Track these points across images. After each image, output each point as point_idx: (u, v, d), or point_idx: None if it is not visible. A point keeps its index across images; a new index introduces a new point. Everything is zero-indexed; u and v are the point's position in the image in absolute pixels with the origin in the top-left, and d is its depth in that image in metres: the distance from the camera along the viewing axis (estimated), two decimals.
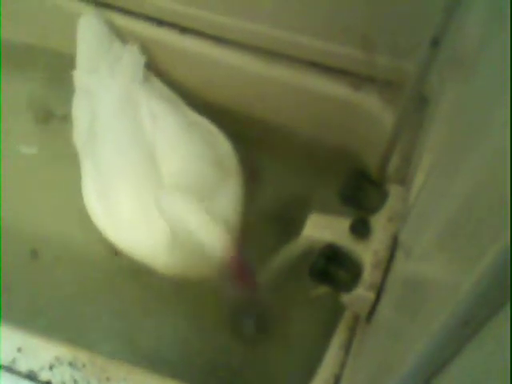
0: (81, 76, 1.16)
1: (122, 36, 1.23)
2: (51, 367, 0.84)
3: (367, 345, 0.78)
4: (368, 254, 0.81)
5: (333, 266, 0.83)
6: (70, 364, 0.84)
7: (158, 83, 1.18)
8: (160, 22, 1.23)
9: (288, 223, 1.11)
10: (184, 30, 1.22)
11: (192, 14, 1.19)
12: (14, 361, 0.84)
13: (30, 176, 1.28)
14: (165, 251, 0.95)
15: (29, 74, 1.37)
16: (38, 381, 0.83)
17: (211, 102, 1.26)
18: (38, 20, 1.33)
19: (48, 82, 1.35)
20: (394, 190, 0.88)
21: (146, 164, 1.04)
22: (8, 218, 1.20)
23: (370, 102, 1.12)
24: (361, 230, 0.84)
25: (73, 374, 0.84)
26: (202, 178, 1.02)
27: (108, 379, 0.83)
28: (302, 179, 1.24)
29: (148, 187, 1.01)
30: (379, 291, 0.78)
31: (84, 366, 0.84)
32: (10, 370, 0.84)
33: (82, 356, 0.85)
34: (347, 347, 0.88)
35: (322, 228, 0.87)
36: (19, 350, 0.85)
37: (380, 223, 0.84)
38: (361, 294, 0.79)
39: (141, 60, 1.16)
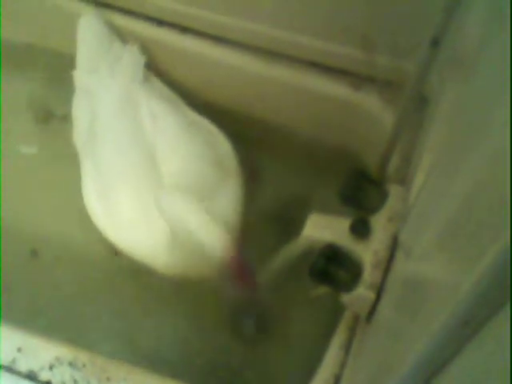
0: (81, 76, 1.16)
1: (122, 36, 1.23)
2: (51, 367, 0.84)
3: (367, 345, 0.78)
4: (368, 253, 0.81)
5: (333, 266, 0.83)
6: (70, 364, 0.84)
7: (158, 83, 1.18)
8: (160, 22, 1.23)
9: (288, 223, 1.11)
10: (184, 29, 1.22)
11: (192, 14, 1.19)
12: (14, 361, 0.84)
13: (30, 176, 1.28)
14: (165, 251, 0.95)
15: (29, 74, 1.37)
16: (38, 381, 0.83)
17: (211, 102, 1.26)
18: (38, 20, 1.33)
19: (48, 82, 1.35)
20: (394, 190, 0.88)
21: (145, 164, 1.04)
22: (8, 217, 1.20)
23: (370, 102, 1.12)
24: (361, 230, 0.84)
25: (73, 374, 0.84)
26: (201, 178, 1.02)
27: (108, 379, 0.83)
28: (302, 179, 1.24)
29: (148, 187, 1.01)
30: (379, 291, 0.78)
31: (84, 365, 0.84)
32: (10, 370, 0.84)
33: (82, 356, 0.85)
34: (347, 347, 0.88)
35: (322, 228, 0.87)
36: (19, 350, 0.85)
37: (380, 223, 0.84)
38: (361, 293, 0.79)
39: (141, 60, 1.16)
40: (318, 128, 1.22)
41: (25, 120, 1.34)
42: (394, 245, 0.81)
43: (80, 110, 1.14)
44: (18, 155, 1.30)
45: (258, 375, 1.06)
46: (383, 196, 0.87)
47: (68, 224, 1.20)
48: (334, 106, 1.16)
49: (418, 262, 0.57)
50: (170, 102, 1.14)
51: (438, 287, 0.43)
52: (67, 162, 1.12)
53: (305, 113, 1.21)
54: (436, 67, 0.77)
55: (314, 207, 0.94)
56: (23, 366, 0.84)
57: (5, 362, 0.84)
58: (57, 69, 1.29)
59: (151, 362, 1.03)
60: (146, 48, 1.20)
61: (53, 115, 1.34)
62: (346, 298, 0.81)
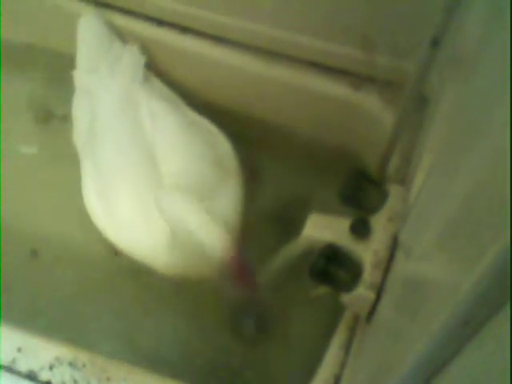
0: (81, 76, 1.16)
1: (122, 36, 1.23)
2: (51, 367, 0.84)
3: (367, 345, 0.78)
4: (368, 253, 0.81)
5: (333, 266, 0.83)
6: (70, 364, 0.84)
7: (158, 83, 1.18)
8: (160, 22, 1.23)
9: (288, 223, 1.11)
10: (184, 29, 1.22)
11: (192, 14, 1.19)
12: (14, 361, 0.84)
13: (30, 176, 1.28)
14: (165, 251, 0.95)
15: (29, 73, 1.37)
16: (38, 381, 0.83)
17: (211, 102, 1.26)
18: (38, 20, 1.33)
19: (48, 82, 1.35)
20: (394, 190, 0.88)
21: (145, 164, 1.04)
22: (8, 217, 1.20)
23: (370, 101, 1.12)
24: (361, 229, 0.84)
25: (73, 374, 0.84)
26: (201, 178, 1.02)
27: (108, 379, 0.83)
28: (302, 179, 1.24)
29: (148, 187, 1.01)
30: (379, 291, 0.78)
31: (84, 365, 0.84)
32: (10, 370, 0.84)
33: (82, 356, 0.85)
34: (347, 347, 0.88)
35: (322, 228, 0.87)
36: (19, 349, 0.85)
37: (380, 223, 0.84)
38: (361, 293, 0.79)
39: (141, 60, 1.16)
40: (318, 128, 1.22)
41: (25, 120, 1.34)
42: (394, 245, 0.81)
43: (80, 110, 1.14)
44: (18, 155, 1.30)
45: (258, 375, 1.06)
46: (383, 196, 0.87)
47: (68, 224, 1.20)
48: (334, 106, 1.16)
49: (417, 262, 0.57)
50: (169, 101, 1.14)
51: (438, 287, 0.43)
52: (67, 161, 1.12)
53: (305, 113, 1.21)
54: (436, 67, 0.77)
55: (314, 207, 0.94)
56: (23, 366, 0.84)
57: (5, 361, 0.84)
58: (57, 69, 1.29)
59: (151, 362, 1.03)
60: (146, 48, 1.20)
61: (53, 115, 1.34)
62: (345, 298, 0.81)
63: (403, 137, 0.93)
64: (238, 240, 0.92)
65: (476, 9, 0.71)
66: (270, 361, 1.08)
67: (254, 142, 1.22)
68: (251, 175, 1.11)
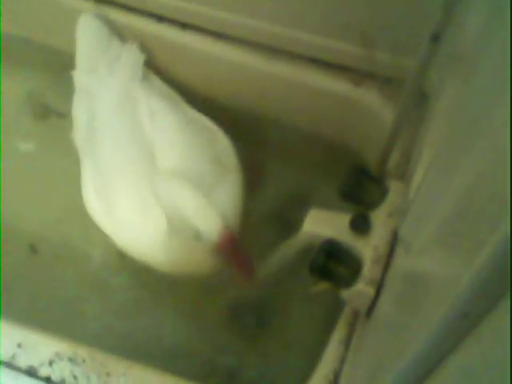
0: (80, 76, 1.15)
1: (121, 33, 1.23)
2: (51, 363, 0.84)
3: (367, 340, 0.78)
4: (368, 249, 0.81)
5: (333, 262, 0.83)
6: (70, 359, 0.84)
7: (157, 81, 1.18)
8: (160, 18, 1.23)
9: (288, 220, 1.11)
10: (184, 25, 1.22)
11: (192, 10, 1.19)
12: (13, 356, 0.84)
13: (29, 172, 1.28)
14: (164, 249, 0.95)
15: (27, 70, 1.37)
16: (38, 376, 0.83)
17: (211, 99, 1.26)
18: (37, 16, 1.33)
19: (47, 78, 1.35)
20: (393, 186, 0.88)
21: (145, 162, 1.04)
22: (6, 214, 1.20)
23: (370, 98, 1.12)
24: (361, 225, 0.84)
25: (73, 369, 0.84)
26: (200, 175, 1.01)
27: (108, 374, 0.84)
28: (302, 175, 1.24)
29: (147, 185, 1.00)
30: (379, 287, 0.78)
31: (84, 361, 0.84)
32: (9, 365, 0.84)
33: (82, 351, 0.85)
34: (347, 343, 0.88)
35: (322, 223, 0.87)
36: (19, 345, 0.85)
37: (380, 219, 0.84)
38: (361, 289, 0.79)
39: (140, 58, 1.16)
40: (317, 124, 1.22)
41: (23, 116, 1.34)
42: (393, 240, 0.81)
43: (80, 109, 1.14)
44: (17, 151, 1.30)
45: (258, 372, 1.06)
46: (383, 192, 0.87)
47: (67, 221, 1.20)
48: (334, 102, 1.16)
49: (417, 257, 0.57)
50: (169, 99, 1.14)
51: (437, 281, 0.43)
52: (66, 158, 1.12)
53: (305, 109, 1.21)
54: (436, 63, 0.77)
55: (314, 203, 0.94)
56: (23, 362, 0.84)
57: (4, 357, 0.84)
58: (55, 65, 1.29)
59: (151, 361, 1.03)
60: (145, 44, 1.20)
61: (51, 111, 1.34)
62: (345, 293, 0.81)
63: (403, 133, 0.92)
64: (237, 235, 0.91)
65: (476, 5, 0.71)
66: (270, 357, 1.08)
67: (254, 138, 1.22)
68: (256, 169, 1.11)
